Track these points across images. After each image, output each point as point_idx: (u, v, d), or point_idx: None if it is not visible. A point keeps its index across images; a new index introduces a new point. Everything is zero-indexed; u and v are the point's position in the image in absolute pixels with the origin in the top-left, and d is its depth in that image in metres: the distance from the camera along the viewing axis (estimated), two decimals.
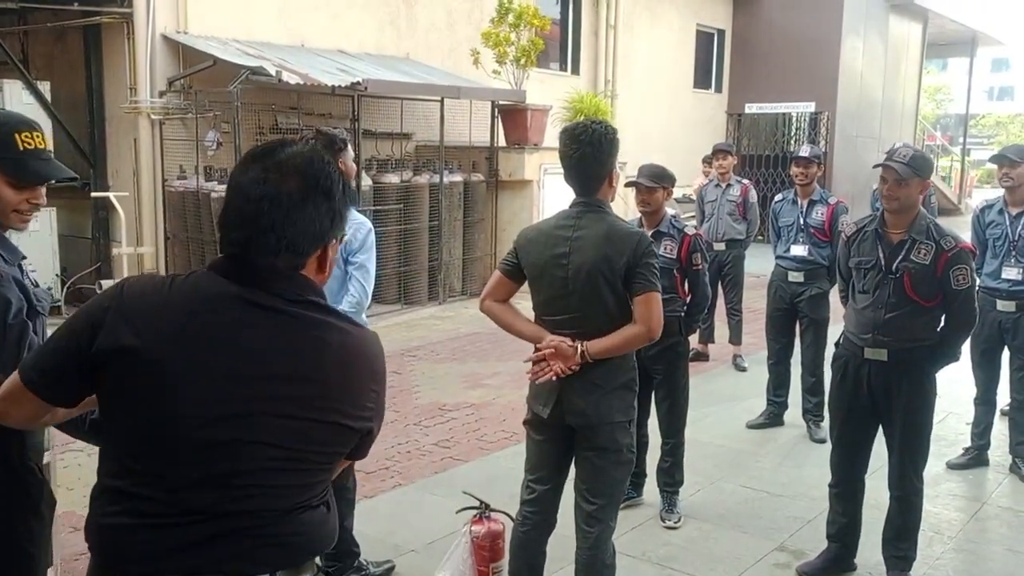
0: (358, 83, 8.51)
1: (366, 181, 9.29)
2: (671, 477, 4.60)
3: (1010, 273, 5.07)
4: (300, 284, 1.62)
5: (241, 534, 1.55)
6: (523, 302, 3.19)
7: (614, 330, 3.00)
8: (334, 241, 1.68)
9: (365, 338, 1.69)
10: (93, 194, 8.77)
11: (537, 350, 3.08)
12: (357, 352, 1.65)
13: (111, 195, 8.46)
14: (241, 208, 1.59)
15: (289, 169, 1.60)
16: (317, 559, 1.72)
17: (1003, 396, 5.45)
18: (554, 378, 3.02)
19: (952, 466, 5.33)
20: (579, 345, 2.99)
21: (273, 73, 7.98)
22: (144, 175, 8.73)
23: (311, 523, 1.64)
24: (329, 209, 1.63)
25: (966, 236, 4.58)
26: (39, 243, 8.04)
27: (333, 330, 1.63)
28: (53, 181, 2.39)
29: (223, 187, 8.17)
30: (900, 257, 3.61)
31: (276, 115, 9.13)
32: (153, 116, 8.61)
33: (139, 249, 8.54)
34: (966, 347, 3.94)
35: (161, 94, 8.64)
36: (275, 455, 1.55)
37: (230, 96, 7.99)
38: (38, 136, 2.31)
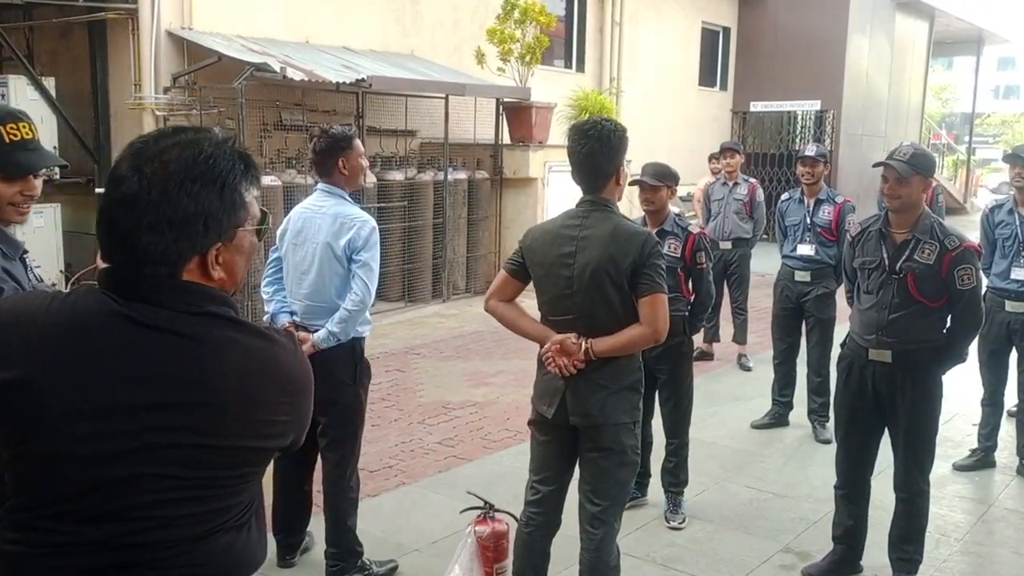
0: (363, 80, 8.49)
1: (370, 178, 9.27)
2: (675, 477, 4.58)
3: (1019, 274, 5.05)
4: (193, 294, 1.44)
5: (144, 566, 1.44)
6: (528, 300, 3.18)
7: (619, 330, 2.98)
8: (238, 237, 1.49)
9: (272, 351, 1.49)
10: (98, 190, 8.74)
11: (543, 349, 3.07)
12: (261, 368, 1.47)
13: None
14: (110, 209, 1.42)
15: (163, 162, 1.41)
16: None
17: (1011, 397, 5.43)
18: (559, 372, 3.01)
19: (958, 468, 5.30)
20: (583, 342, 2.98)
21: (278, 70, 7.97)
22: None
23: (228, 547, 1.50)
24: (219, 202, 1.43)
25: (971, 236, 4.56)
26: (43, 239, 8.03)
27: (232, 347, 1.45)
28: (44, 170, 2.39)
29: None
30: (904, 257, 3.58)
31: (280, 111, 9.12)
32: (158, 112, 8.60)
33: None
34: (973, 348, 3.91)
35: (166, 90, 8.62)
36: (172, 485, 1.41)
37: (235, 92, 7.97)
38: (24, 127, 2.30)
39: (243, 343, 1.47)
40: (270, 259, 3.95)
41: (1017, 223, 5.06)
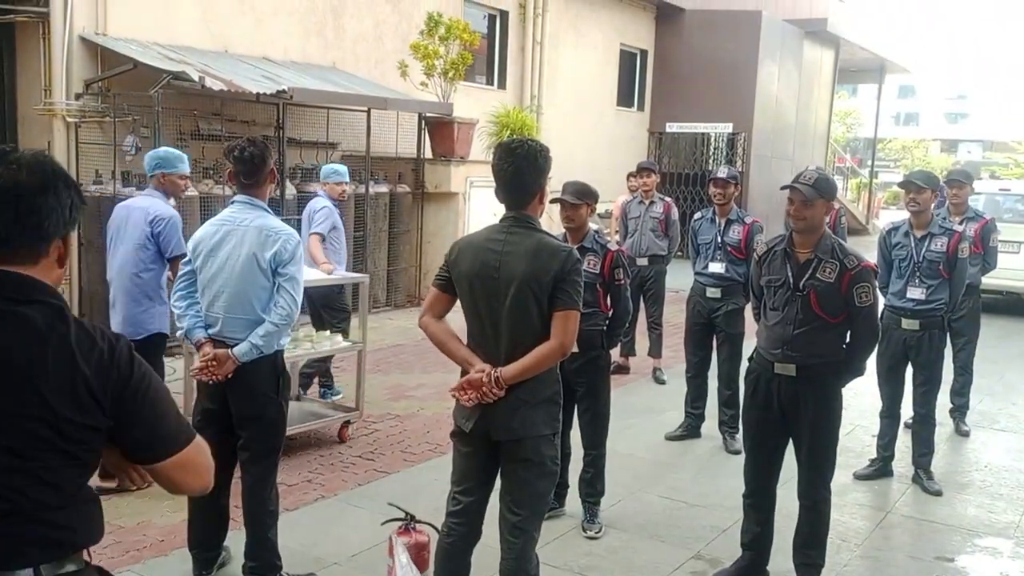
0: (284, 91, 8.44)
1: (290, 190, 9.20)
2: (593, 488, 4.68)
3: (914, 293, 5.32)
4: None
5: None
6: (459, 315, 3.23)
7: (537, 344, 3.06)
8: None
9: (90, 334, 1.68)
10: None
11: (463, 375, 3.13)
12: (76, 350, 1.65)
13: None
14: None
15: None
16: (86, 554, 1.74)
17: (907, 410, 5.70)
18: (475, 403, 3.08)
19: (858, 477, 5.55)
20: (492, 373, 3.04)
21: (196, 79, 7.85)
22: None
23: (79, 517, 1.68)
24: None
25: (870, 256, 4.81)
26: None
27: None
28: None
29: (141, 192, 8.01)
30: (807, 275, 3.77)
31: (198, 121, 8.98)
32: (69, 119, 8.37)
33: None
34: (871, 362, 4.13)
35: (77, 96, 8.41)
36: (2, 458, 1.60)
37: (151, 100, 7.83)
38: None
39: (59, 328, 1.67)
40: (182, 272, 3.86)
41: (912, 245, 5.33)
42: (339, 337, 6.10)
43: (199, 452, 1.80)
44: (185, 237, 4.66)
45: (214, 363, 3.64)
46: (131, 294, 4.85)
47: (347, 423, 5.99)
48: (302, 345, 5.75)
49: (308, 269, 6.16)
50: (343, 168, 6.89)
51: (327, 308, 6.60)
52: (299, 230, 7.48)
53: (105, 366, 1.66)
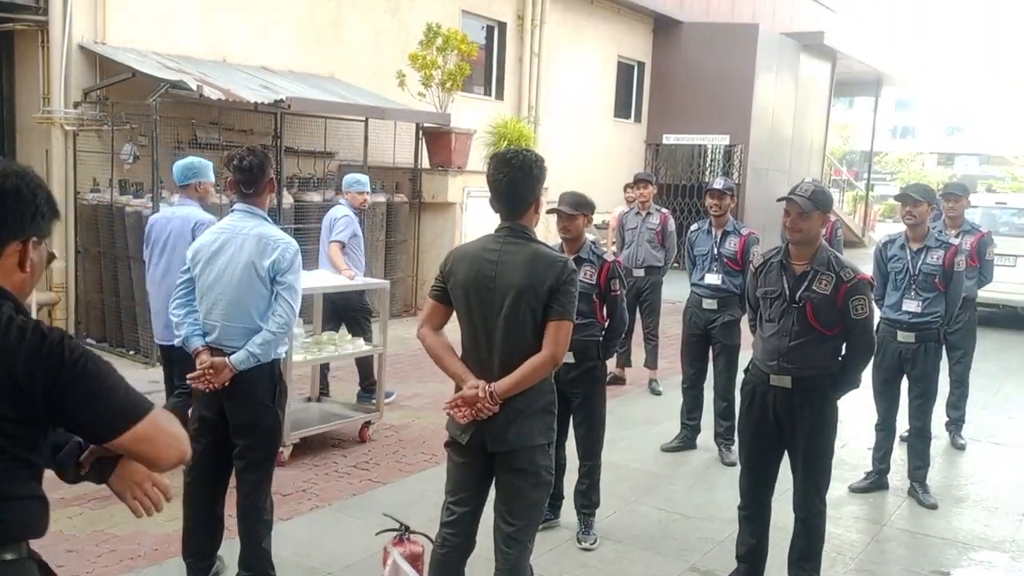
0: (281, 100, 8.45)
1: (287, 199, 9.21)
2: (588, 499, 4.67)
3: (910, 306, 5.33)
4: None
5: None
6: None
7: (531, 354, 3.05)
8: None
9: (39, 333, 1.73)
10: None
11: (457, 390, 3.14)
12: (6, 346, 1.70)
13: None
14: None
15: None
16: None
17: (903, 423, 5.70)
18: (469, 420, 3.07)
19: (854, 489, 5.55)
20: (485, 388, 3.04)
21: (194, 87, 7.86)
22: (56, 187, 8.44)
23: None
24: None
25: (868, 269, 4.82)
26: None
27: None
28: None
29: (138, 201, 8.02)
30: (803, 287, 3.78)
31: (196, 129, 8.99)
32: (67, 127, 8.38)
33: None
34: (867, 375, 4.13)
35: (76, 105, 8.41)
36: None
37: (148, 109, 7.83)
38: None
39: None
40: (179, 280, 3.86)
41: (908, 257, 5.35)
42: (361, 340, 6.29)
43: (162, 422, 1.81)
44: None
45: (211, 371, 3.63)
46: None
47: (368, 424, 6.11)
48: (326, 348, 5.92)
49: (331, 275, 6.27)
50: (364, 178, 7.02)
51: (350, 311, 6.74)
52: (314, 237, 7.54)
53: (35, 357, 1.70)
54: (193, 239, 4.77)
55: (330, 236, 6.61)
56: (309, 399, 6.52)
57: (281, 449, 5.38)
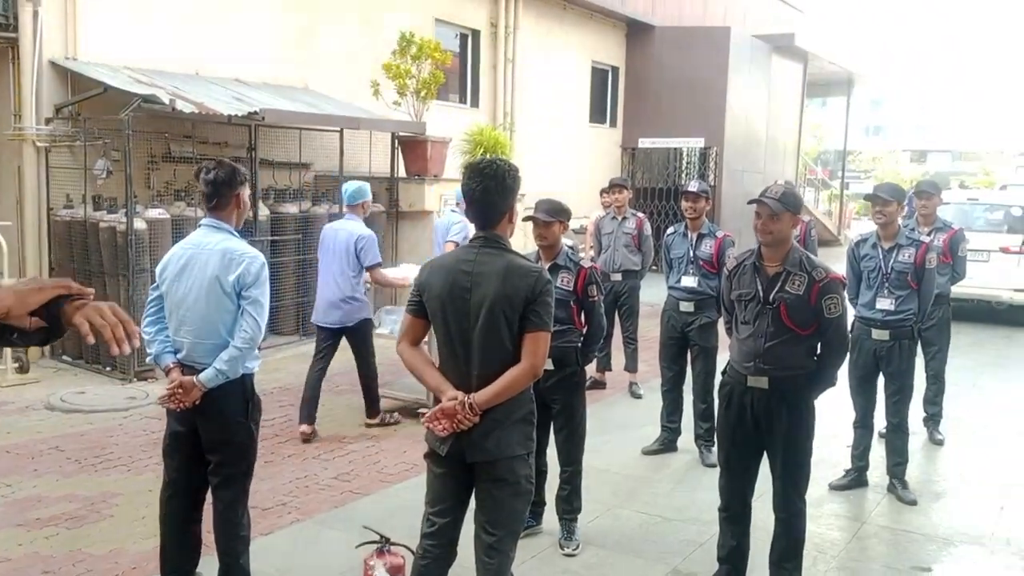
0: (255, 113, 8.41)
1: (263, 211, 9.16)
2: (570, 504, 4.68)
3: (883, 304, 5.38)
4: None
5: None
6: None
7: (508, 365, 3.06)
8: None
9: None
10: None
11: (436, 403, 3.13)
12: None
13: None
14: None
15: None
16: None
17: (880, 420, 5.75)
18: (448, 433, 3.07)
19: (834, 487, 5.59)
20: (465, 400, 3.03)
21: (167, 101, 7.81)
22: (28, 204, 8.39)
23: None
24: None
25: (841, 268, 4.86)
26: None
27: None
28: None
29: (112, 216, 7.96)
30: (776, 288, 3.81)
31: (169, 143, 8.93)
32: (39, 143, 8.30)
33: (22, 280, 8.17)
34: (843, 373, 4.16)
35: (48, 121, 8.34)
36: None
37: (121, 124, 7.78)
38: None
39: None
40: (150, 297, 3.84)
41: (880, 256, 5.40)
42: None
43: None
44: (159, 259, 4.67)
45: (180, 391, 3.60)
46: (344, 294, 6.34)
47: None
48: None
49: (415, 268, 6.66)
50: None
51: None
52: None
53: None
54: (356, 247, 6.31)
55: (445, 238, 7.53)
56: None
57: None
